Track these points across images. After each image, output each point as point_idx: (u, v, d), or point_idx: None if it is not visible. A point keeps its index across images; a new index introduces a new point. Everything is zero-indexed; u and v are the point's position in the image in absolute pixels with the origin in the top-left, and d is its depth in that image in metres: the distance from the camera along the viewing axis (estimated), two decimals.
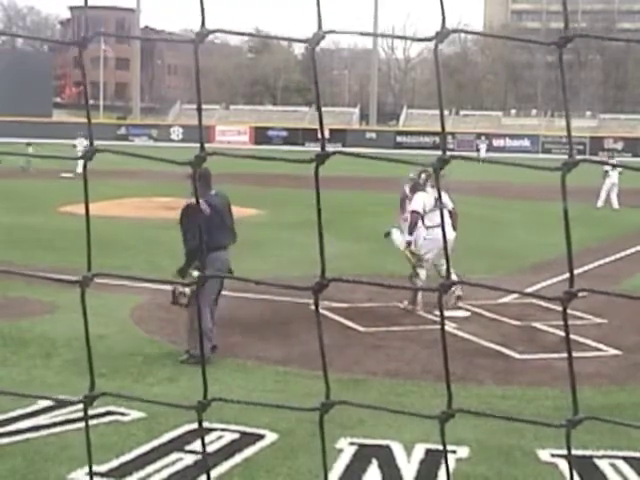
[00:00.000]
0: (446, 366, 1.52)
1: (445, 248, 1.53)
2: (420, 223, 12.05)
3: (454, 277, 11.95)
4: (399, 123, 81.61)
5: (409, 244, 12.02)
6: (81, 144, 32.82)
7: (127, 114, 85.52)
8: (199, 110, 1.61)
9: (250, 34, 1.68)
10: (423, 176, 12.19)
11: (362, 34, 1.53)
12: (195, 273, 9.00)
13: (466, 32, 1.36)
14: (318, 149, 1.51)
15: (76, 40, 1.49)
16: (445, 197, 11.95)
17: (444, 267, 12.09)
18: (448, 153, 1.41)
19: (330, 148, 1.58)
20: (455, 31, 1.37)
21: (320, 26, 1.39)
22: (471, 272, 14.25)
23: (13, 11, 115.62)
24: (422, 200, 12.04)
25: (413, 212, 12.03)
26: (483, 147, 57.36)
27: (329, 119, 78.60)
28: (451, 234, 11.90)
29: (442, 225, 1.70)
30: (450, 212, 12.16)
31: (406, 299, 12.06)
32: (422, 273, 12.03)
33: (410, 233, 12.00)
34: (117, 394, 1.62)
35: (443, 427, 1.46)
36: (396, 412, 1.70)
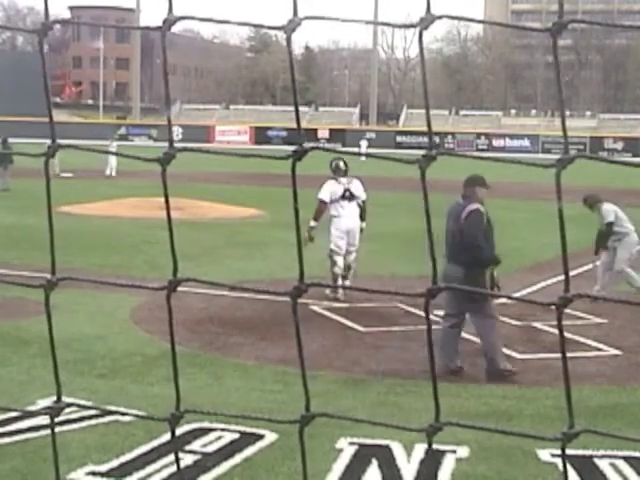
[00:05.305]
0: (433, 377, 1.51)
1: (433, 253, 1.44)
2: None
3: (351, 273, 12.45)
4: (399, 123, 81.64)
5: (312, 229, 12.33)
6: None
7: (127, 114, 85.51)
8: (167, 104, 1.60)
9: (223, 21, 1.63)
10: (333, 164, 12.66)
11: (343, 21, 1.52)
12: None
13: (453, 17, 1.33)
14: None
15: (36, 28, 1.48)
16: (359, 187, 12.62)
17: (353, 256, 12.62)
18: (434, 151, 1.41)
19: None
20: (441, 17, 1.35)
21: (296, 13, 1.38)
22: None
23: (13, 11, 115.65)
24: (329, 189, 12.60)
25: (320, 201, 12.57)
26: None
27: (329, 119, 78.64)
28: (358, 223, 12.65)
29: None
30: (363, 202, 12.75)
31: (332, 291, 12.30)
32: (339, 260, 12.55)
33: (315, 219, 12.46)
34: (84, 405, 1.61)
35: (431, 440, 1.45)
36: (378, 424, 1.70)
